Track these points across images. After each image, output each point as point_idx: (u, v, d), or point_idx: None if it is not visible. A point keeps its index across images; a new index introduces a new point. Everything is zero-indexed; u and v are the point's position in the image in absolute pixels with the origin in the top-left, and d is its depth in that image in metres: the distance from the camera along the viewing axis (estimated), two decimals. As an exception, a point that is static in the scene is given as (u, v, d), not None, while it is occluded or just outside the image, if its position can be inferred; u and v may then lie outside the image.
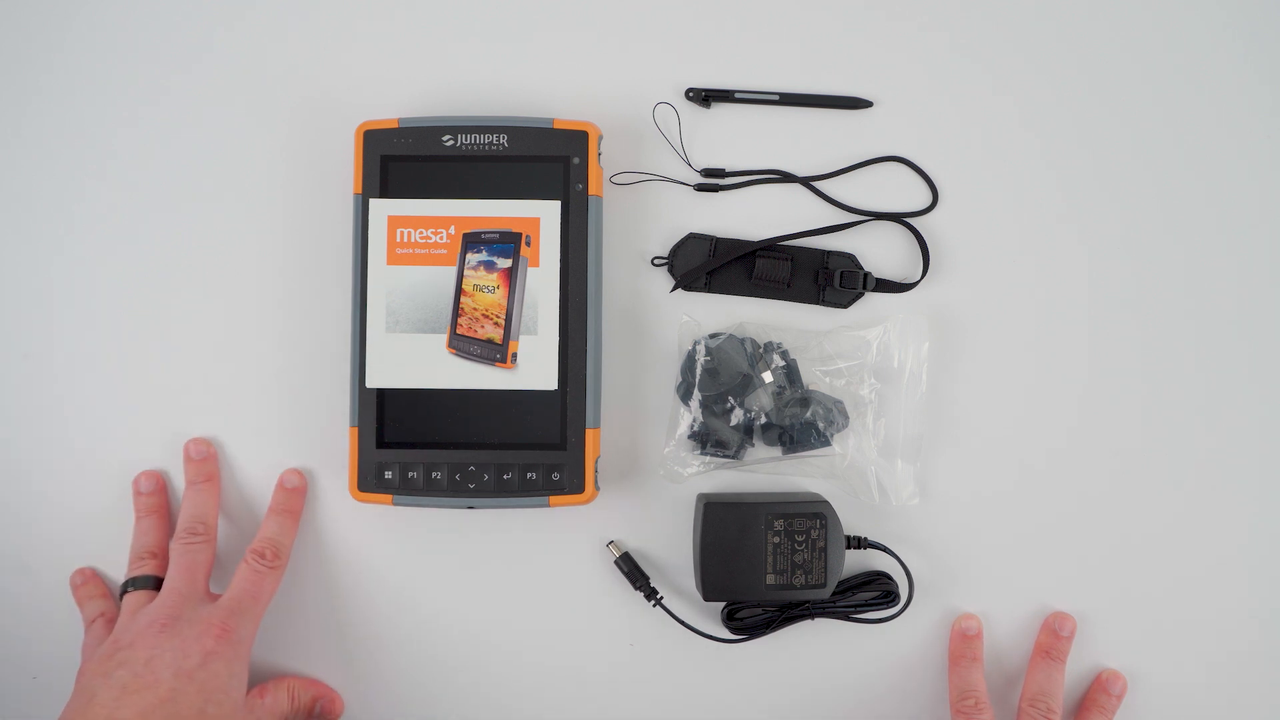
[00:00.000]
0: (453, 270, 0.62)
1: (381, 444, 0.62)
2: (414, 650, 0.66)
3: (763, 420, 0.64)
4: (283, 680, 0.64)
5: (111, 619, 0.62)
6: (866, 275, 0.65)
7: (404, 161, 0.62)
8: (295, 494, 0.65)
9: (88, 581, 0.65)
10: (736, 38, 0.66)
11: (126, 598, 0.62)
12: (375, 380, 0.62)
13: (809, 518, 0.62)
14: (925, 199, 0.66)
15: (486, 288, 0.62)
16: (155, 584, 0.62)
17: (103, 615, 0.63)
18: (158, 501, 0.65)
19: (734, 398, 0.64)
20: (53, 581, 0.66)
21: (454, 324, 0.62)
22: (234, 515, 0.66)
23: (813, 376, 0.65)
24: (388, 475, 0.62)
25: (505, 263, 0.62)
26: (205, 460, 0.65)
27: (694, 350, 0.64)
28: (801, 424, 0.63)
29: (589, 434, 0.62)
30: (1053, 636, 0.65)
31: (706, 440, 0.64)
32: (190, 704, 0.55)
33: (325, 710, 0.65)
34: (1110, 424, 0.66)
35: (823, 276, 0.65)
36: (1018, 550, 0.66)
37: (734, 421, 0.64)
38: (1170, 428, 0.66)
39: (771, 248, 0.65)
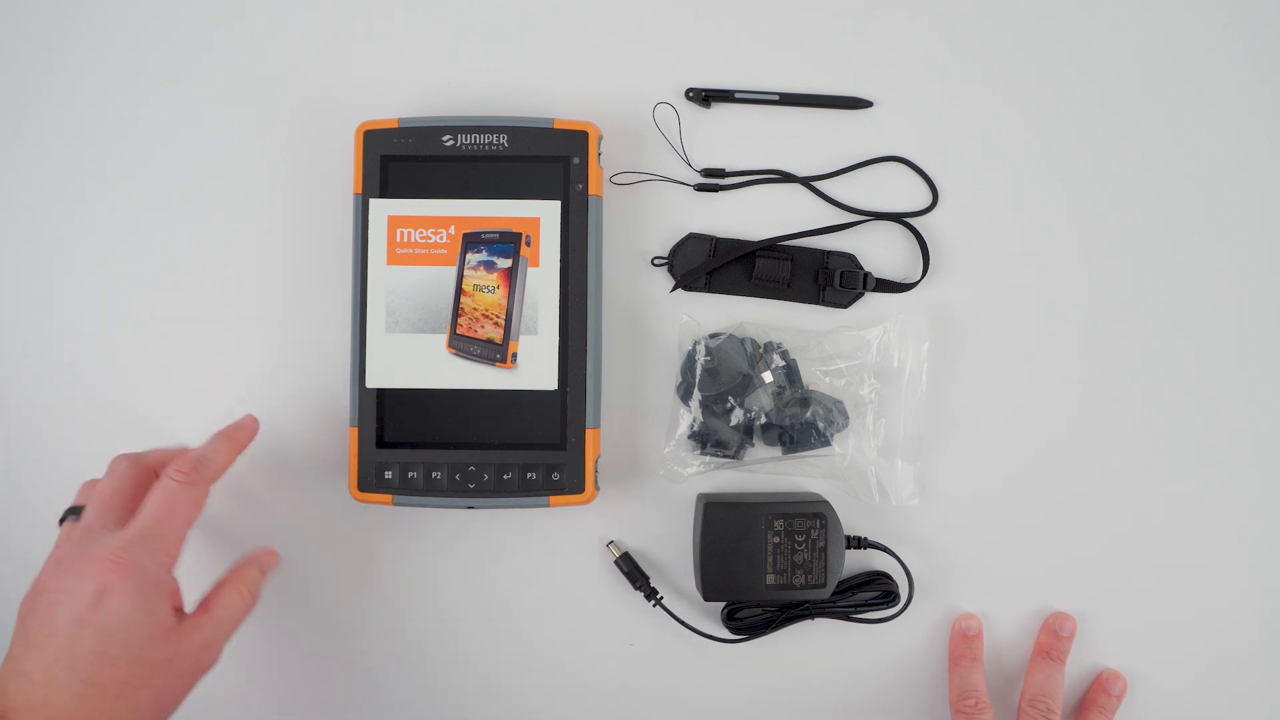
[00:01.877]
0: (453, 270, 0.62)
1: (381, 444, 0.62)
2: (414, 650, 0.66)
3: (763, 420, 0.64)
4: (219, 584, 0.57)
5: None
6: (866, 275, 0.65)
7: (404, 161, 0.62)
8: (242, 428, 0.61)
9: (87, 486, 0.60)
10: (736, 38, 0.66)
11: (63, 527, 0.56)
12: (375, 380, 0.62)
13: (809, 518, 0.62)
14: (925, 199, 0.66)
15: (486, 288, 0.62)
16: None
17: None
18: (130, 465, 0.59)
19: (734, 398, 0.64)
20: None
21: (454, 324, 0.62)
22: (230, 515, 0.66)
23: (813, 376, 0.65)
24: (388, 475, 0.62)
25: (505, 263, 0.62)
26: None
27: (694, 350, 0.64)
28: (801, 424, 0.63)
29: (589, 434, 0.62)
30: (1053, 637, 0.65)
31: (706, 440, 0.64)
32: (86, 649, 0.50)
33: (268, 563, 0.59)
34: (1110, 424, 0.66)
35: (823, 276, 0.65)
36: (1018, 550, 0.66)
37: (734, 421, 0.64)
38: (1170, 428, 0.66)
39: (771, 248, 0.65)
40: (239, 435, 0.61)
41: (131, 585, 0.52)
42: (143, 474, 0.58)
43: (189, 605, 0.56)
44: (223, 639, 0.56)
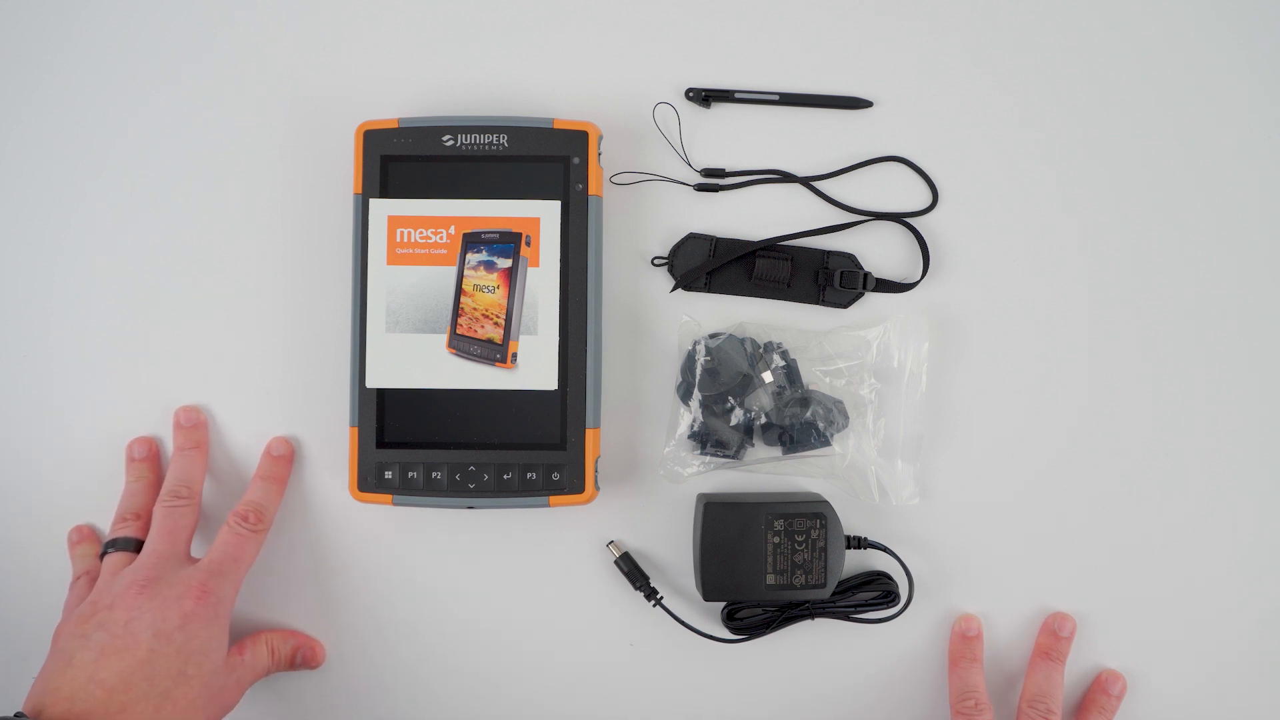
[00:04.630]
0: (453, 270, 0.62)
1: (381, 444, 0.62)
2: (414, 650, 0.66)
3: (763, 420, 0.64)
4: (260, 635, 0.64)
5: (95, 578, 0.62)
6: (866, 275, 0.65)
7: (404, 161, 0.62)
8: (281, 461, 0.65)
9: (84, 539, 0.65)
10: (736, 38, 0.66)
11: (107, 559, 0.61)
12: (375, 380, 0.62)
13: (809, 518, 0.62)
14: (925, 199, 0.66)
15: (486, 288, 0.62)
16: (136, 546, 0.62)
17: (87, 573, 0.63)
18: (149, 468, 0.65)
19: (734, 398, 0.64)
20: (52, 579, 0.66)
21: (454, 324, 0.62)
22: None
23: (813, 376, 0.65)
24: (388, 475, 0.62)
25: (505, 263, 0.62)
26: (195, 428, 0.65)
27: (694, 350, 0.64)
28: (801, 424, 0.63)
29: (589, 434, 0.62)
30: (1052, 637, 0.65)
31: (706, 440, 0.64)
32: (169, 665, 0.55)
33: (306, 659, 0.65)
34: (1110, 424, 0.66)
35: (823, 276, 0.65)
36: (1018, 550, 0.66)
37: (734, 421, 0.64)
38: (1170, 428, 0.66)
39: (771, 248, 0.65)
40: (281, 471, 0.65)
41: (212, 613, 0.58)
42: (178, 502, 0.63)
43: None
44: (246, 685, 0.62)
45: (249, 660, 0.62)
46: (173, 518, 0.62)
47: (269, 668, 0.63)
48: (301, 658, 0.65)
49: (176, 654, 0.55)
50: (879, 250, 0.66)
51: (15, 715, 0.51)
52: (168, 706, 0.54)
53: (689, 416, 0.64)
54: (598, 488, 0.62)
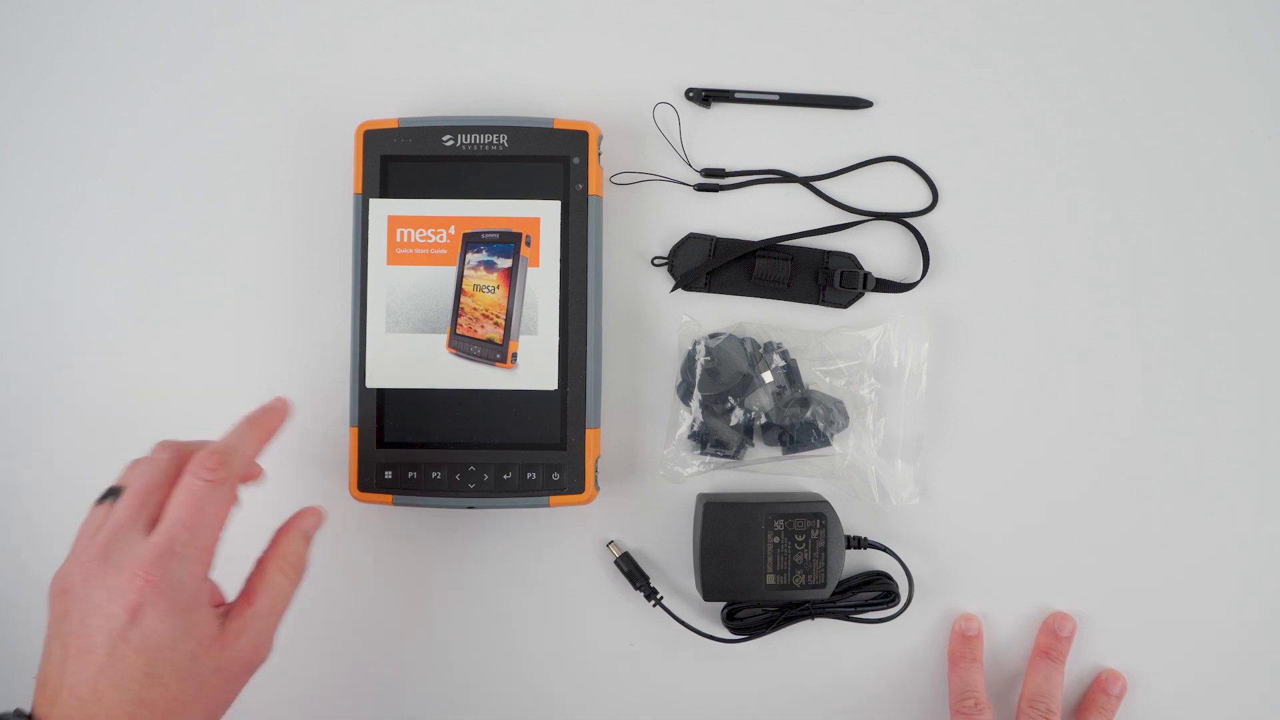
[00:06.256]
0: (453, 270, 0.62)
1: (381, 444, 0.62)
2: (414, 650, 0.66)
3: (763, 420, 0.64)
4: (259, 566, 0.53)
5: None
6: (866, 275, 0.65)
7: (404, 161, 0.62)
8: (272, 413, 0.56)
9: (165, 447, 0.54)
10: (736, 38, 0.66)
11: (96, 509, 0.52)
12: (375, 380, 0.62)
13: (809, 518, 0.62)
14: (925, 199, 0.66)
15: (486, 288, 0.62)
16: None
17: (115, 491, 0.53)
18: (179, 451, 0.54)
19: (734, 398, 0.64)
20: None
21: (454, 324, 0.62)
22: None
23: (813, 376, 0.65)
24: (388, 475, 0.62)
25: (505, 263, 0.62)
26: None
27: (694, 350, 0.64)
28: (801, 424, 0.63)
29: (589, 434, 0.62)
30: (1052, 637, 0.65)
31: (706, 440, 0.64)
32: (130, 668, 0.47)
33: (313, 526, 0.56)
34: (1110, 424, 0.66)
35: (823, 276, 0.65)
36: (1018, 550, 0.66)
37: (734, 421, 0.64)
38: (1170, 427, 0.66)
39: (771, 248, 0.65)
40: (268, 421, 0.56)
41: (166, 603, 0.48)
42: (184, 464, 0.53)
43: (231, 593, 0.53)
44: (272, 629, 0.53)
45: (265, 604, 0.52)
46: (187, 490, 0.51)
47: (293, 586, 0.54)
48: (307, 531, 0.56)
49: (135, 655, 0.48)
50: (879, 250, 0.66)
51: (14, 712, 0.48)
52: (144, 712, 0.48)
53: (689, 416, 0.64)
54: (598, 488, 0.62)
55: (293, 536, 0.55)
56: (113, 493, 0.52)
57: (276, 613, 0.53)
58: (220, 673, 0.50)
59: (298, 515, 0.56)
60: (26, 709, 0.49)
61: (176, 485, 0.51)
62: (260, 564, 0.54)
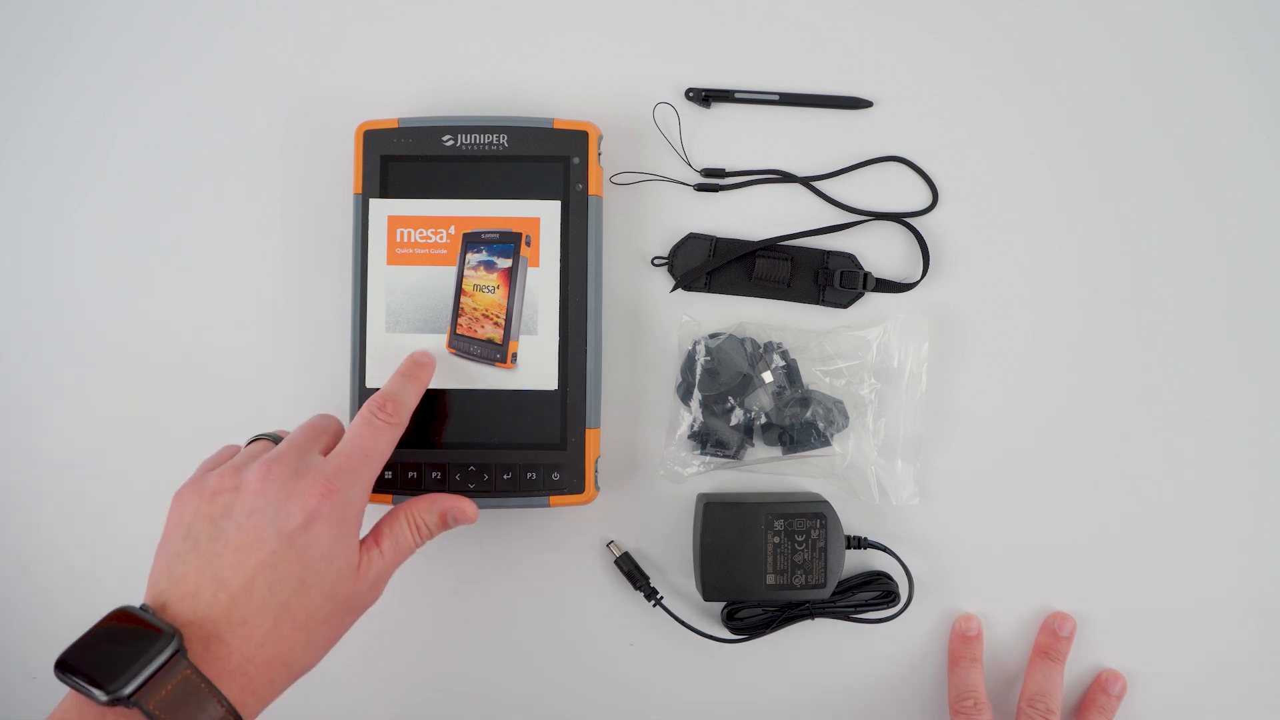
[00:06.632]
0: (453, 270, 0.62)
1: (381, 444, 0.62)
2: (414, 650, 0.66)
3: (763, 420, 0.64)
4: (396, 513, 0.56)
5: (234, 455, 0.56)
6: (866, 275, 0.65)
7: (404, 161, 0.62)
8: (423, 366, 0.60)
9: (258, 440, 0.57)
10: (736, 38, 0.66)
11: (252, 445, 0.56)
12: (375, 380, 0.62)
13: (809, 518, 0.62)
14: (925, 199, 0.66)
15: (486, 288, 0.62)
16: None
17: (230, 446, 0.57)
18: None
19: (734, 398, 0.64)
20: (52, 582, 0.66)
21: (454, 324, 0.62)
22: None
23: (813, 376, 0.65)
24: (388, 475, 0.62)
25: (505, 263, 0.62)
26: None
27: (694, 350, 0.64)
28: (801, 424, 0.63)
29: (589, 434, 0.62)
30: (1052, 637, 0.65)
31: (706, 440, 0.64)
32: (289, 572, 0.49)
33: (458, 518, 0.58)
34: (1110, 424, 0.66)
35: (823, 276, 0.65)
36: (1018, 550, 0.66)
37: (734, 421, 0.64)
38: (1171, 427, 0.66)
39: (771, 248, 0.65)
40: (420, 374, 0.59)
41: (337, 516, 0.51)
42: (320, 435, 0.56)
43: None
44: (388, 575, 0.55)
45: (389, 549, 0.54)
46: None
47: (414, 545, 0.56)
48: (453, 518, 0.58)
49: (297, 559, 0.49)
50: (879, 250, 0.66)
51: (141, 607, 0.47)
52: (287, 621, 0.48)
53: (689, 416, 0.64)
54: (598, 488, 0.62)
55: (434, 509, 0.57)
56: (264, 436, 0.56)
57: (395, 560, 0.55)
58: (348, 601, 0.52)
59: (457, 497, 0.58)
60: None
61: (353, 422, 0.55)
62: (395, 513, 0.56)
